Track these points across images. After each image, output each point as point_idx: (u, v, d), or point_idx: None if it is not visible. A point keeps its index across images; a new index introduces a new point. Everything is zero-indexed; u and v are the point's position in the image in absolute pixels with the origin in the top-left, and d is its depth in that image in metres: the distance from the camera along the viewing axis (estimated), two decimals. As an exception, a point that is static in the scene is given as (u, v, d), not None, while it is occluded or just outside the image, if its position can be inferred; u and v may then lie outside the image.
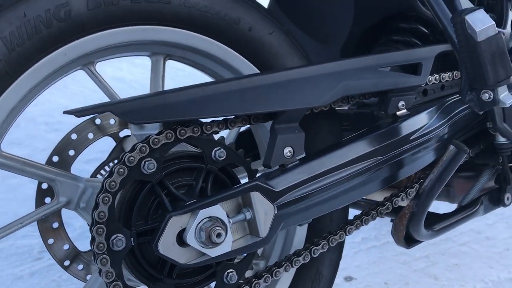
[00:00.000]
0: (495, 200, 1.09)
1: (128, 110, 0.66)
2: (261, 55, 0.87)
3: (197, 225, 0.68)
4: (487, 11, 1.06)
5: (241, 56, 0.86)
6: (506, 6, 1.06)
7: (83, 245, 0.92)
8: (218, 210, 0.69)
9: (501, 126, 0.95)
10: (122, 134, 0.95)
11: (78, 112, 0.64)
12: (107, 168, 0.95)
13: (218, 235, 0.68)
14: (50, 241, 0.89)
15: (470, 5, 0.88)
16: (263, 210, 0.72)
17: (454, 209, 1.07)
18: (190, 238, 0.67)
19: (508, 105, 0.81)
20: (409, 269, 1.48)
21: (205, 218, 0.68)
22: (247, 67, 0.86)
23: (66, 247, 0.90)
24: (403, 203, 0.96)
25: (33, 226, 1.52)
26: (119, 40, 0.77)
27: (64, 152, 0.90)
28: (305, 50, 0.94)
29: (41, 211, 0.79)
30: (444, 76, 0.99)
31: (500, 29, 1.02)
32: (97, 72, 0.80)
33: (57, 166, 0.88)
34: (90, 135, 0.92)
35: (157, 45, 0.81)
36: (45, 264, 1.39)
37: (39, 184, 0.89)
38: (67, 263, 0.90)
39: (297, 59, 0.91)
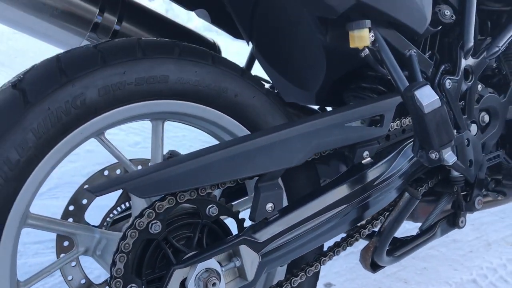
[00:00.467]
0: (451, 223, 1.26)
1: (138, 187, 0.81)
2: (247, 116, 1.02)
3: (196, 275, 0.84)
4: (441, 62, 1.23)
5: (230, 118, 1.01)
6: (460, 55, 1.21)
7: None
8: (213, 263, 0.85)
9: (454, 164, 1.12)
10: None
11: (97, 192, 0.79)
12: (115, 212, 1.10)
13: (214, 284, 0.84)
14: (69, 277, 1.05)
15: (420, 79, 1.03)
16: (250, 259, 0.88)
17: (415, 233, 1.25)
18: (191, 286, 0.83)
19: (451, 163, 0.97)
20: (382, 274, 1.66)
21: (202, 270, 0.84)
22: (236, 127, 1.01)
23: (83, 281, 1.06)
24: (369, 234, 1.13)
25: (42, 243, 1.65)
26: (126, 115, 0.91)
27: (78, 202, 1.05)
28: (283, 105, 1.09)
29: (64, 259, 0.94)
30: (404, 121, 1.14)
31: (452, 77, 1.18)
32: (107, 139, 0.94)
33: (73, 214, 1.03)
34: (100, 185, 1.06)
35: (157, 113, 0.96)
36: (57, 281, 1.55)
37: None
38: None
39: (277, 116, 1.06)
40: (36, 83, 0.82)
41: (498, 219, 2.03)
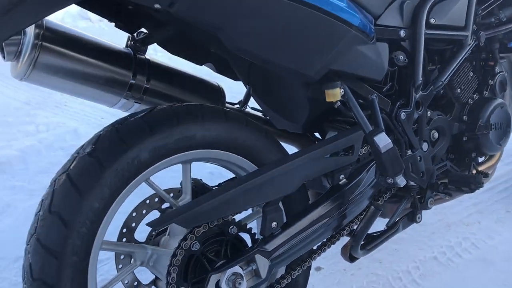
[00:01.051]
0: (410, 219, 1.64)
1: (186, 220, 1.15)
2: (253, 154, 1.35)
3: (226, 278, 1.20)
4: (397, 97, 1.57)
5: (240, 157, 1.35)
6: (411, 91, 1.56)
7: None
8: (237, 268, 1.21)
9: (410, 176, 1.49)
10: (164, 206, 1.44)
11: (155, 226, 1.14)
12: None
13: (239, 283, 1.20)
14: (125, 281, 1.40)
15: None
16: (262, 263, 1.25)
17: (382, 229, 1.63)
18: (224, 286, 1.20)
19: (402, 186, 1.34)
20: (361, 257, 2.04)
21: (230, 274, 1.20)
22: (245, 163, 1.35)
23: (135, 283, 1.41)
24: (348, 234, 1.51)
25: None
26: (166, 165, 1.24)
27: (129, 225, 1.39)
28: (278, 142, 1.44)
29: (125, 272, 1.29)
30: (369, 147, 1.50)
31: (406, 109, 1.53)
32: (152, 182, 1.28)
33: (126, 235, 1.38)
34: (144, 211, 1.41)
35: (187, 160, 1.30)
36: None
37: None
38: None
39: (275, 151, 1.40)
40: (106, 151, 1.15)
41: (457, 203, 2.42)
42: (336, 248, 2.09)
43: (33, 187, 2.44)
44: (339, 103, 1.35)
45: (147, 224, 1.16)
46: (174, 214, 1.18)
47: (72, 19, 5.09)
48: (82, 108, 3.31)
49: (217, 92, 1.66)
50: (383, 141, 1.28)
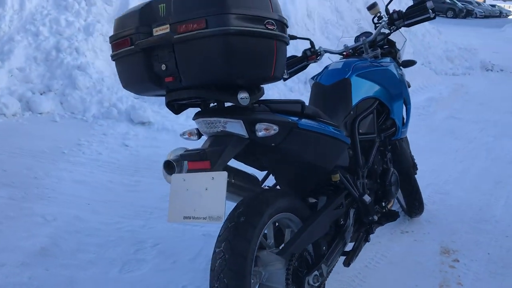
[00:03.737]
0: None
1: (290, 253, 2.25)
2: (299, 213, 2.51)
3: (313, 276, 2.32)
4: (353, 173, 2.90)
5: (295, 215, 2.48)
6: (358, 170, 2.91)
7: None
8: (315, 271, 2.34)
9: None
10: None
11: (284, 255, 2.23)
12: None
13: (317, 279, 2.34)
14: None
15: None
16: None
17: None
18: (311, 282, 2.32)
19: (376, 219, 2.65)
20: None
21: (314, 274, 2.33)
22: (296, 218, 2.49)
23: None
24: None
25: None
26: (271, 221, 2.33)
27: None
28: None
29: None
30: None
31: (359, 180, 2.87)
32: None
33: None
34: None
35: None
36: None
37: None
38: None
39: (305, 210, 2.58)
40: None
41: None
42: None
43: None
44: (338, 181, 2.62)
45: (278, 253, 2.22)
46: (285, 249, 2.26)
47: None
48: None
49: (256, 180, 2.77)
50: (368, 199, 2.57)
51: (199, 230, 3.62)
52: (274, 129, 2.00)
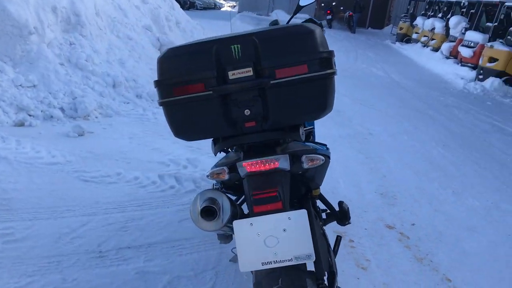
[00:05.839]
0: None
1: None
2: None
3: None
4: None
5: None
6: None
7: None
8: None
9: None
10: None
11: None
12: None
13: None
14: None
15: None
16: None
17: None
18: None
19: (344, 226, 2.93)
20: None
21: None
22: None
23: None
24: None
25: None
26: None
27: None
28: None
29: None
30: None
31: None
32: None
33: None
34: None
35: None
36: None
37: None
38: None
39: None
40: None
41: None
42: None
43: None
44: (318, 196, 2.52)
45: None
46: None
47: None
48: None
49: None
50: (345, 207, 2.64)
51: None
52: (321, 159, 2.00)
